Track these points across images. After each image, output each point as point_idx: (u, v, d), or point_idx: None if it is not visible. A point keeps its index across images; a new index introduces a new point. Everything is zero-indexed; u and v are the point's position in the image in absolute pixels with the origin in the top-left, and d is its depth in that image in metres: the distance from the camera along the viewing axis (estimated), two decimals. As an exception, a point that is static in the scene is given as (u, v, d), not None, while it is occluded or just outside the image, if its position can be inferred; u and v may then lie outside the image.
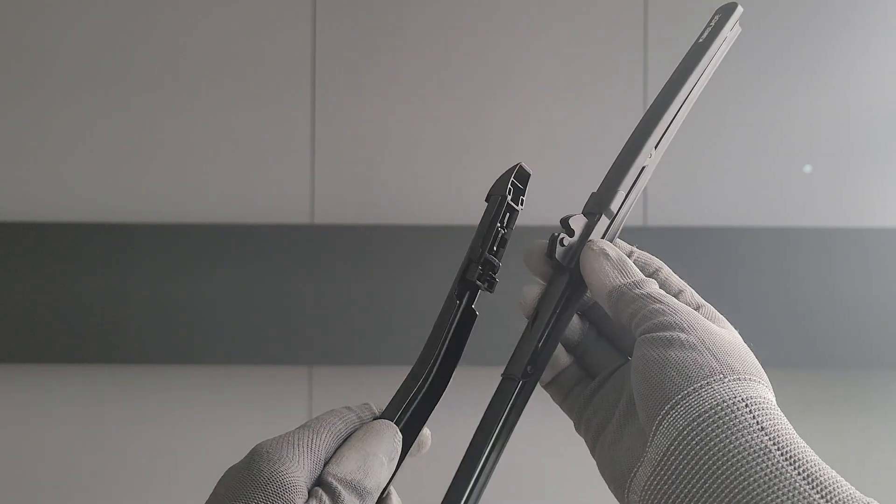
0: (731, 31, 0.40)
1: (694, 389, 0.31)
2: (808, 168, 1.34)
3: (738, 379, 0.32)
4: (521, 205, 0.40)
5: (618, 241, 0.39)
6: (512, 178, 0.40)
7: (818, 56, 1.34)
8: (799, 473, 0.29)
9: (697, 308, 0.37)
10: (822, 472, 0.30)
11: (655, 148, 0.39)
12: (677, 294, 0.37)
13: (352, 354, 1.29)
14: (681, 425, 0.31)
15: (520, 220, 0.41)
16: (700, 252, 1.28)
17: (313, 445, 0.34)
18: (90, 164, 1.33)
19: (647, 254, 0.39)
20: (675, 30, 1.34)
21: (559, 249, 0.37)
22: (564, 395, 0.39)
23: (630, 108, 1.34)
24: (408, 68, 1.35)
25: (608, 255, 0.36)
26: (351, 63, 1.35)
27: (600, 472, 0.36)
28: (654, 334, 0.34)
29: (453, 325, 0.39)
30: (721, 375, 0.32)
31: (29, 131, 1.34)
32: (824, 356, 1.28)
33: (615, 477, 0.34)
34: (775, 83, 1.34)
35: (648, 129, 0.39)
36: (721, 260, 1.29)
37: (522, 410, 0.37)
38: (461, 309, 0.39)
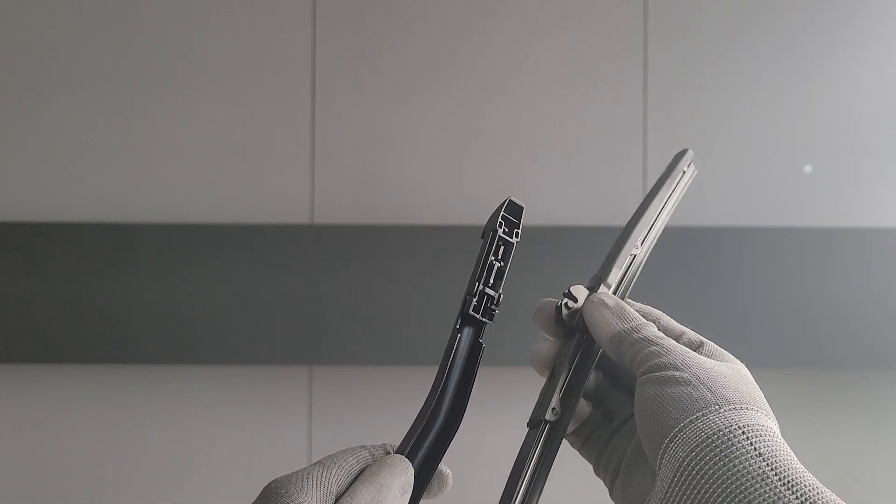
0: (687, 166, 0.47)
1: (690, 421, 0.32)
2: (808, 168, 1.34)
3: (734, 409, 0.33)
4: (517, 237, 0.41)
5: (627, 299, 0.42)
6: (502, 213, 0.41)
7: (818, 55, 1.35)
8: (797, 498, 0.30)
9: (700, 345, 0.38)
10: (821, 498, 0.30)
11: (641, 243, 0.43)
12: (678, 337, 0.39)
13: (352, 354, 1.29)
14: (681, 456, 0.32)
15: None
16: (700, 252, 1.28)
17: (323, 479, 0.35)
18: (90, 164, 1.33)
19: (648, 307, 0.41)
20: (675, 30, 1.34)
21: (565, 312, 0.40)
22: (583, 442, 0.41)
23: (630, 108, 1.34)
24: (408, 68, 1.35)
25: (607, 304, 0.39)
26: (351, 63, 1.35)
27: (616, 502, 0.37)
28: (651, 374, 0.35)
29: (457, 358, 0.40)
30: (716, 406, 0.33)
31: (29, 131, 1.34)
32: (824, 356, 1.28)
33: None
34: (775, 83, 1.34)
35: (628, 231, 0.43)
36: (721, 260, 1.29)
37: (554, 454, 0.38)
38: (462, 340, 0.40)
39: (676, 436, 0.32)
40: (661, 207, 0.45)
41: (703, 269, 1.28)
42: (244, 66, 1.34)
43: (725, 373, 0.35)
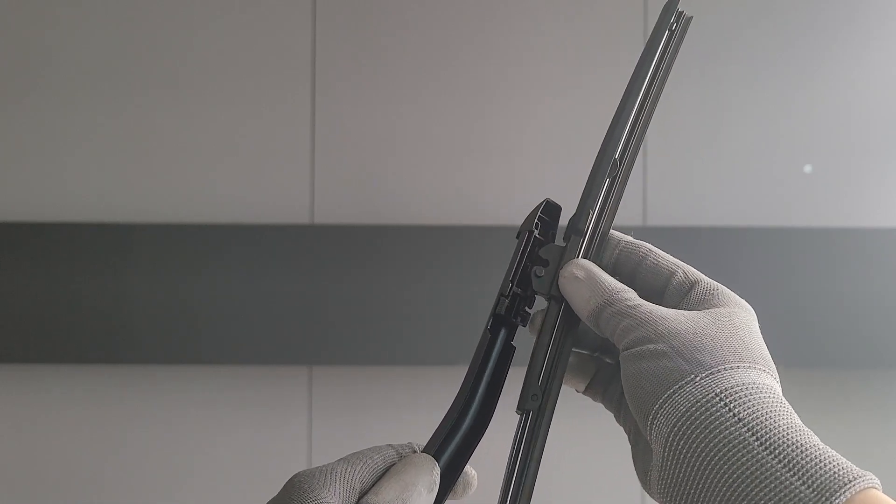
0: (676, 24, 0.41)
1: (668, 396, 0.32)
2: (808, 168, 1.34)
3: (711, 374, 0.32)
4: (553, 239, 0.40)
5: (613, 232, 0.40)
6: (539, 213, 0.40)
7: (819, 56, 1.34)
8: (780, 461, 0.30)
9: (693, 285, 0.37)
10: (802, 456, 0.30)
11: (621, 160, 0.40)
12: (669, 278, 0.38)
13: (352, 354, 1.29)
14: (665, 432, 0.32)
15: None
16: (700, 252, 1.28)
17: (347, 475, 0.35)
18: (90, 164, 1.33)
19: (634, 242, 0.39)
20: (676, 30, 1.34)
21: (535, 281, 0.39)
22: (602, 394, 0.40)
23: (630, 108, 1.34)
24: (408, 69, 1.35)
25: (577, 277, 0.37)
26: (351, 64, 1.35)
27: (633, 464, 0.37)
28: (629, 351, 0.35)
29: (488, 359, 0.39)
30: (692, 376, 0.32)
31: (30, 132, 1.34)
32: (824, 356, 1.28)
33: (640, 473, 0.36)
34: (776, 83, 1.34)
35: (606, 144, 0.40)
36: (721, 260, 1.29)
37: (543, 439, 0.38)
38: (493, 342, 0.39)
39: (658, 412, 0.32)
40: (642, 105, 0.41)
41: (702, 268, 1.27)
42: (244, 66, 1.34)
43: (705, 330, 0.34)
